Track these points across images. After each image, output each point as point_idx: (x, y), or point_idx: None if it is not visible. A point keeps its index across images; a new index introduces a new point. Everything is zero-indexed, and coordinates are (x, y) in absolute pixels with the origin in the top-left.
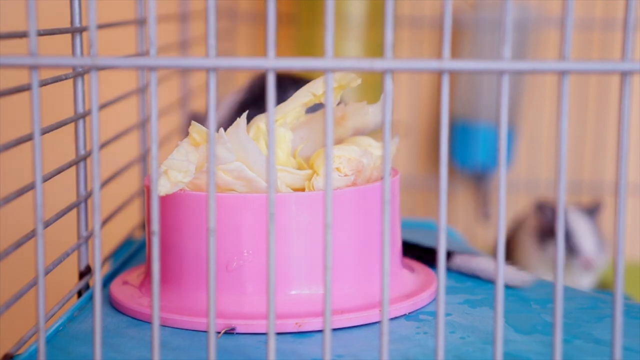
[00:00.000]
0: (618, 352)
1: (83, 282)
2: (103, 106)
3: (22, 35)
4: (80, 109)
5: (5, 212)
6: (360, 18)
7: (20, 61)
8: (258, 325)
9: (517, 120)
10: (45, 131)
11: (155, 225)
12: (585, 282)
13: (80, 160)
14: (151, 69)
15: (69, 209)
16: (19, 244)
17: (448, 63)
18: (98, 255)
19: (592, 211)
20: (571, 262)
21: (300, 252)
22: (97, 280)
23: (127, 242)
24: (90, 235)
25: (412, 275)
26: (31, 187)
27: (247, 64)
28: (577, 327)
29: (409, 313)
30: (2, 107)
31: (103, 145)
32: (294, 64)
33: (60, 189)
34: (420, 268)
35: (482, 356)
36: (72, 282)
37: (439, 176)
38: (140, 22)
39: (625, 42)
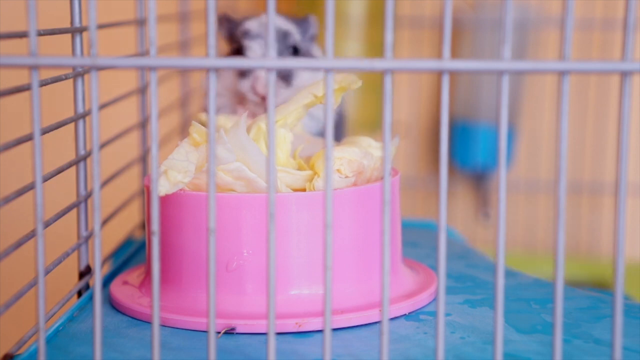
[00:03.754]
0: (618, 352)
1: (83, 282)
2: (103, 106)
3: (22, 35)
4: (80, 109)
5: (5, 212)
6: (360, 18)
7: (20, 61)
8: (258, 325)
9: (517, 120)
10: (45, 131)
11: (155, 225)
12: None
13: (80, 160)
14: (151, 69)
15: (69, 209)
16: (19, 244)
17: (448, 63)
18: (98, 255)
19: None
20: None
21: (300, 252)
22: (97, 280)
23: (127, 242)
24: (90, 235)
25: (412, 275)
26: (31, 187)
27: (247, 64)
28: (577, 327)
29: (409, 313)
30: (2, 107)
31: (103, 145)
32: (294, 63)
33: (60, 189)
34: (420, 268)
35: (482, 356)
36: (72, 282)
37: (439, 176)
38: (140, 22)
39: (625, 42)
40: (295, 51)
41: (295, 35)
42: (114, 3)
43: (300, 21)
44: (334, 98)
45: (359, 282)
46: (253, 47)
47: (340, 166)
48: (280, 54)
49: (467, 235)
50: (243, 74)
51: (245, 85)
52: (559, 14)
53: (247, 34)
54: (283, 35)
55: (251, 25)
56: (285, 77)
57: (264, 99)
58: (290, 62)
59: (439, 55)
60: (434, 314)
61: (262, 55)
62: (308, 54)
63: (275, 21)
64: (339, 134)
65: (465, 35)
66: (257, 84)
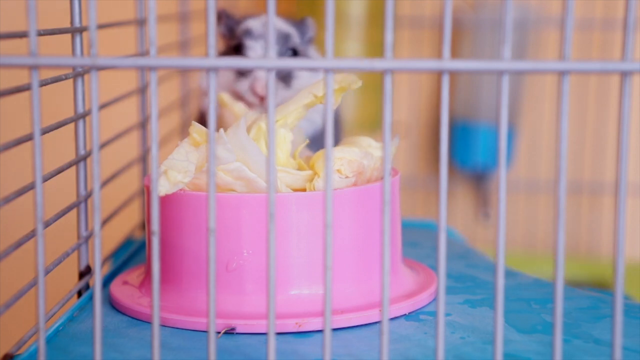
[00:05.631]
0: (618, 352)
1: (83, 282)
2: (103, 106)
3: (22, 35)
4: (80, 109)
5: (5, 212)
6: (360, 18)
7: (20, 61)
8: (258, 325)
9: (517, 120)
10: (45, 131)
11: (155, 225)
12: None
13: (80, 160)
14: (151, 69)
15: (69, 209)
16: (19, 244)
17: (448, 63)
18: (98, 255)
19: None
20: None
21: (300, 252)
22: (97, 280)
23: (127, 242)
24: (90, 235)
25: (412, 275)
26: (31, 187)
27: (247, 64)
28: (577, 327)
29: (409, 313)
30: (2, 107)
31: (103, 145)
32: (294, 63)
33: (60, 189)
34: (420, 268)
35: (482, 356)
36: (72, 282)
37: (439, 176)
38: (140, 22)
39: (625, 42)
40: (295, 54)
41: (295, 38)
42: (114, 3)
43: (298, 24)
44: (334, 98)
45: (359, 282)
46: (255, 48)
47: (341, 166)
48: (280, 55)
49: (467, 235)
50: (242, 73)
51: (243, 85)
52: (559, 14)
53: (249, 33)
54: (284, 38)
55: (254, 24)
56: (285, 78)
57: (262, 99)
58: (290, 63)
59: (439, 55)
60: (434, 314)
61: (263, 56)
62: (306, 56)
63: (277, 23)
64: (335, 136)
65: (465, 35)
66: (257, 84)
